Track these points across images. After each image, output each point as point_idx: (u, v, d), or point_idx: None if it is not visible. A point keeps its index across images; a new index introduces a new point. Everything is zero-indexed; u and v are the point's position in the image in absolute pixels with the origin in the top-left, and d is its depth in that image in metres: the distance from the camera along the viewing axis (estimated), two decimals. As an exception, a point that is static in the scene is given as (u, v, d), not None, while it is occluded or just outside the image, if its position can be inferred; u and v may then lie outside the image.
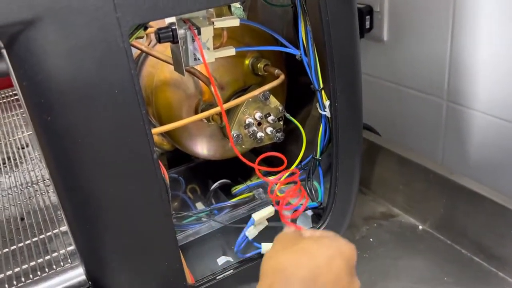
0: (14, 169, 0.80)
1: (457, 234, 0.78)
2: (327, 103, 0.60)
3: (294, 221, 0.61)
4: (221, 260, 0.67)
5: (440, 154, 0.91)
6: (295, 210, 0.62)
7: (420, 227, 0.83)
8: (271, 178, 0.67)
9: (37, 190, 0.72)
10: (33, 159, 0.82)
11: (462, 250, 0.77)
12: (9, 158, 0.83)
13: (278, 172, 0.64)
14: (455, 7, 0.79)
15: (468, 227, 0.76)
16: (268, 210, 0.61)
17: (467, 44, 0.80)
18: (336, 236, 0.47)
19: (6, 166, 0.81)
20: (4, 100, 1.11)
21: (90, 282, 0.53)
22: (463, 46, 0.80)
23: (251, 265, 0.61)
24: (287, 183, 0.64)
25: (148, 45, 0.68)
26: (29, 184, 0.74)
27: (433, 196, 0.81)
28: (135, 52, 0.69)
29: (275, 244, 0.47)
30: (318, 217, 0.70)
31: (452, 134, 0.87)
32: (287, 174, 0.63)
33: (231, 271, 0.61)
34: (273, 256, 0.44)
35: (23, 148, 0.87)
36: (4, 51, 0.42)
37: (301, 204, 0.62)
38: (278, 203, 0.60)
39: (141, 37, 0.66)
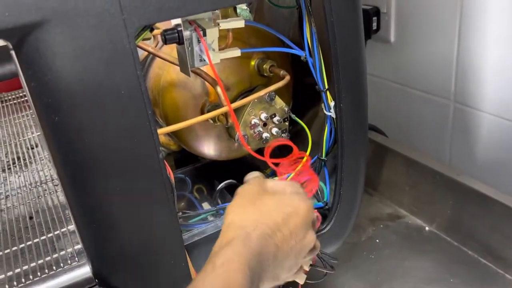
0: (23, 168, 0.81)
1: (464, 235, 0.78)
2: (332, 103, 0.60)
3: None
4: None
5: (447, 155, 0.91)
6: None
7: (427, 228, 0.83)
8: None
9: (45, 190, 0.73)
10: (42, 159, 0.83)
11: (469, 252, 0.76)
12: (18, 158, 0.84)
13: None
14: (462, 8, 0.79)
15: (475, 229, 0.75)
16: None
17: (474, 45, 0.79)
18: (295, 193, 0.50)
19: (16, 166, 0.82)
20: (15, 101, 1.12)
21: (96, 280, 0.53)
22: (470, 47, 0.80)
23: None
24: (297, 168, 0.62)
25: (155, 46, 0.68)
26: (38, 184, 0.75)
27: (440, 197, 0.81)
28: (142, 53, 0.70)
29: (238, 197, 0.49)
30: (323, 217, 0.70)
31: (459, 135, 0.87)
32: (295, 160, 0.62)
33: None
34: (235, 211, 0.47)
35: (32, 148, 0.88)
36: (13, 52, 0.43)
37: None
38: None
39: (148, 39, 0.67)
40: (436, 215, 0.82)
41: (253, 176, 0.55)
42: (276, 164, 0.65)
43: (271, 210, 0.47)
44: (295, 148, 0.58)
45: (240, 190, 0.51)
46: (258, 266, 0.42)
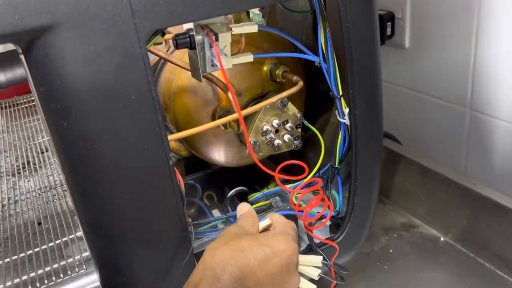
0: (33, 173, 0.81)
1: (480, 246, 0.75)
2: (346, 110, 0.58)
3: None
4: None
5: (463, 164, 0.89)
6: (320, 219, 0.60)
7: (442, 238, 0.81)
8: (290, 186, 0.66)
9: (55, 195, 0.73)
10: (52, 164, 0.83)
11: (485, 264, 0.74)
12: (28, 163, 0.84)
13: (297, 180, 0.63)
14: (479, 14, 0.77)
15: (491, 240, 0.73)
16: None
17: (491, 52, 0.78)
18: (281, 233, 0.48)
19: (25, 170, 0.82)
20: (26, 105, 1.13)
21: (104, 289, 0.53)
22: (488, 53, 0.78)
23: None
24: (309, 192, 0.62)
25: (167, 51, 0.68)
26: (48, 189, 0.75)
27: (455, 207, 0.79)
28: (153, 58, 0.70)
29: (219, 237, 0.48)
30: (336, 227, 0.68)
31: (475, 143, 0.85)
32: (307, 183, 0.62)
33: None
34: (209, 251, 0.45)
35: (42, 152, 0.88)
36: (22, 57, 0.42)
37: (326, 214, 0.60)
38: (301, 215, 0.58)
39: (160, 43, 0.67)
40: (452, 225, 0.80)
41: (241, 215, 0.53)
42: (284, 182, 0.65)
43: (245, 250, 0.44)
44: (306, 169, 0.57)
45: (223, 231, 0.49)
46: None
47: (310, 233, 0.57)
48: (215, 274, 0.41)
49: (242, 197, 0.74)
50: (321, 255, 0.58)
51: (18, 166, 0.84)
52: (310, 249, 0.61)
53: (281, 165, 0.57)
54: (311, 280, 0.52)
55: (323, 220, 0.60)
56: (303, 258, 0.53)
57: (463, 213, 0.78)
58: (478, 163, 0.86)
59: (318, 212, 0.61)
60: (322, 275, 0.53)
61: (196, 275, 0.43)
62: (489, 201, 0.73)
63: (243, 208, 0.54)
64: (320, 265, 0.53)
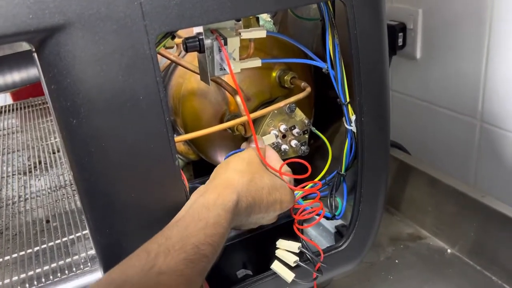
0: (44, 172, 0.82)
1: (488, 259, 0.75)
2: (353, 117, 0.59)
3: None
4: (241, 273, 0.67)
5: (473, 176, 0.88)
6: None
7: (449, 250, 0.81)
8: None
9: (64, 194, 0.74)
10: (63, 164, 0.84)
11: (492, 277, 0.73)
12: (40, 162, 0.86)
13: (302, 181, 0.63)
14: (491, 26, 0.77)
15: (499, 253, 0.72)
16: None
17: (503, 64, 0.77)
18: (288, 189, 0.57)
19: (37, 170, 0.83)
20: (40, 107, 1.15)
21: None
22: (499, 65, 0.78)
23: (270, 279, 0.60)
24: (309, 193, 0.62)
25: (178, 55, 0.69)
26: (57, 188, 0.76)
27: (463, 219, 0.78)
28: (164, 62, 0.71)
29: (243, 159, 0.56)
30: (340, 235, 0.68)
31: (486, 155, 0.84)
32: (310, 185, 0.62)
33: (250, 284, 0.60)
34: (235, 169, 0.54)
35: (54, 153, 0.89)
36: (35, 55, 0.44)
37: (318, 215, 0.61)
38: (295, 212, 0.59)
39: (171, 47, 0.68)
40: (459, 238, 0.79)
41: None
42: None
43: (264, 189, 0.53)
44: (309, 168, 0.58)
45: (245, 153, 0.57)
46: (233, 224, 0.50)
47: (297, 232, 0.58)
48: (238, 200, 0.50)
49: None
50: (300, 242, 0.59)
51: (29, 165, 0.85)
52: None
53: (285, 162, 0.58)
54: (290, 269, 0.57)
55: (314, 220, 0.61)
56: (282, 242, 0.58)
57: (471, 225, 0.77)
58: (488, 175, 0.85)
59: (311, 207, 0.61)
60: (298, 262, 0.57)
61: (225, 192, 0.49)
62: (497, 214, 0.72)
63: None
64: (297, 251, 0.57)
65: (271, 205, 0.55)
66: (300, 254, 0.58)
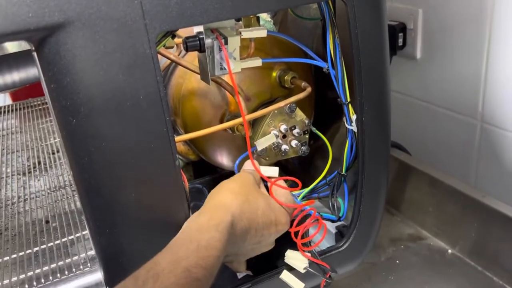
0: (43, 173, 0.82)
1: (488, 260, 0.74)
2: (353, 117, 0.58)
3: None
4: (241, 273, 0.67)
5: (473, 176, 0.88)
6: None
7: (450, 251, 0.80)
8: None
9: (63, 195, 0.74)
10: (62, 164, 0.84)
11: (493, 278, 0.73)
12: (39, 163, 0.85)
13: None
14: (491, 26, 0.77)
15: (500, 253, 0.72)
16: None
17: (503, 64, 0.77)
18: (283, 209, 0.55)
19: (36, 170, 0.83)
20: (40, 107, 1.14)
21: (107, 287, 0.53)
22: (499, 66, 0.78)
23: (270, 280, 0.60)
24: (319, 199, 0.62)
25: (178, 55, 0.69)
26: (57, 188, 0.76)
27: (464, 219, 0.78)
28: (164, 62, 0.71)
29: (236, 182, 0.55)
30: (341, 235, 0.68)
31: (486, 156, 0.84)
32: (315, 184, 0.62)
33: (250, 285, 0.60)
34: (228, 192, 0.53)
35: (53, 153, 0.89)
36: (34, 54, 0.43)
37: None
38: (296, 235, 0.58)
39: (171, 47, 0.67)
40: (460, 238, 0.79)
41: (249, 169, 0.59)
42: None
43: (259, 210, 0.52)
44: (300, 185, 0.58)
45: (239, 176, 0.56)
46: (229, 248, 0.48)
47: (303, 253, 0.57)
48: (233, 222, 0.48)
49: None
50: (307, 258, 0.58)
51: (29, 165, 0.85)
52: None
53: (278, 178, 0.58)
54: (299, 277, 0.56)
55: (316, 242, 0.60)
56: (292, 254, 0.57)
57: (472, 225, 0.77)
58: (488, 175, 0.85)
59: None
60: (308, 268, 0.57)
61: (217, 214, 0.48)
62: (498, 214, 0.72)
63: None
64: (306, 264, 0.57)
65: (266, 227, 0.53)
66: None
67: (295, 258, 0.57)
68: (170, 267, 0.41)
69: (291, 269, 0.58)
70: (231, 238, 0.48)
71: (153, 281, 0.40)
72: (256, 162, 0.58)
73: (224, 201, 0.51)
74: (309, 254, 0.57)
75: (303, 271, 0.56)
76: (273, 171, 0.58)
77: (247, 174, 0.56)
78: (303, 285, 0.56)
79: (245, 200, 0.51)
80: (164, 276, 0.40)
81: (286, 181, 0.59)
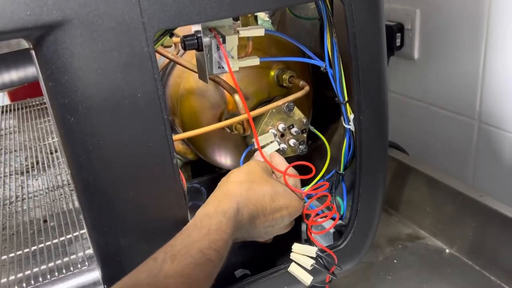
0: (41, 172, 0.82)
1: (486, 259, 0.74)
2: (351, 116, 0.59)
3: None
4: (239, 272, 0.67)
5: (471, 176, 0.88)
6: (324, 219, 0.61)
7: (447, 251, 0.80)
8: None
9: (61, 194, 0.74)
10: (61, 164, 0.84)
11: (491, 277, 0.73)
12: (38, 162, 0.85)
13: (306, 182, 0.63)
14: (488, 25, 0.77)
15: (498, 253, 0.72)
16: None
17: (500, 64, 0.77)
18: (294, 187, 0.57)
19: (34, 170, 0.83)
20: (38, 107, 1.14)
21: (105, 286, 0.53)
22: (496, 66, 0.78)
23: (268, 278, 0.60)
24: (319, 198, 0.62)
25: (177, 54, 0.69)
26: (55, 188, 0.76)
27: (462, 219, 0.78)
28: (163, 61, 0.71)
29: (243, 170, 0.57)
30: (340, 234, 0.68)
31: (484, 155, 0.85)
32: (314, 182, 0.62)
33: (248, 283, 0.60)
34: (235, 181, 0.55)
35: (52, 153, 0.89)
36: (32, 52, 0.43)
37: (334, 218, 0.61)
38: (307, 217, 0.59)
39: (169, 46, 0.67)
40: (458, 238, 0.79)
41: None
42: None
43: (265, 196, 0.54)
44: (313, 170, 0.58)
45: (246, 165, 0.57)
46: (238, 233, 0.51)
47: (311, 237, 0.58)
48: (238, 208, 0.51)
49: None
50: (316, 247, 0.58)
51: (27, 165, 0.85)
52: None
53: (290, 165, 0.58)
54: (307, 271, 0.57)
55: (328, 226, 0.60)
56: (298, 247, 0.58)
57: (470, 225, 0.77)
58: (486, 175, 0.85)
59: (323, 212, 0.61)
60: (314, 265, 0.57)
61: (224, 203, 0.51)
62: (496, 214, 0.72)
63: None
64: (314, 255, 0.57)
65: (276, 211, 0.55)
66: (314, 258, 0.58)
67: (302, 252, 0.58)
68: (185, 249, 0.44)
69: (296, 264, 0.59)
70: (238, 223, 0.51)
71: (171, 261, 0.43)
72: (265, 153, 0.59)
73: (230, 190, 0.53)
74: (318, 240, 0.58)
75: (310, 267, 0.57)
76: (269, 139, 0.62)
77: (254, 163, 0.58)
78: (312, 278, 0.56)
79: (249, 187, 0.53)
80: (180, 256, 0.43)
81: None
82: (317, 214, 0.59)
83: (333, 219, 0.62)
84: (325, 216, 0.59)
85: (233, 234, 0.50)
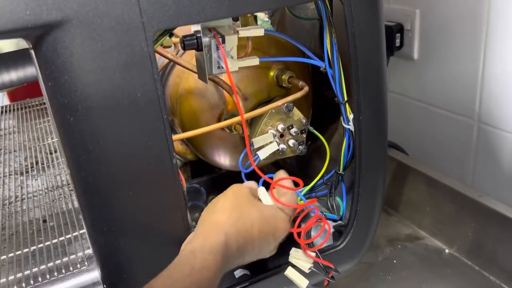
0: (41, 173, 0.82)
1: (486, 259, 0.75)
2: (351, 116, 0.59)
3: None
4: (238, 272, 0.67)
5: (470, 176, 0.88)
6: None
7: (447, 251, 0.80)
8: None
9: (61, 194, 0.74)
10: (60, 164, 0.84)
11: (490, 277, 0.73)
12: (37, 163, 0.85)
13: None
14: (488, 26, 0.78)
15: (497, 253, 0.72)
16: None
17: (500, 65, 0.77)
18: (280, 211, 0.55)
19: (33, 170, 0.83)
20: (37, 108, 1.14)
21: (104, 286, 0.53)
22: (496, 66, 0.78)
23: (268, 279, 0.60)
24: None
25: (176, 54, 0.69)
26: (54, 188, 0.76)
27: (461, 219, 0.78)
28: (162, 61, 0.71)
29: (229, 196, 0.55)
30: (339, 234, 0.68)
31: (483, 156, 0.85)
32: (314, 183, 0.62)
33: (248, 284, 0.60)
34: (223, 209, 0.53)
35: (51, 153, 0.89)
36: (32, 52, 0.43)
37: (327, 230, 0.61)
38: (299, 235, 0.57)
39: (169, 46, 0.67)
40: (457, 238, 0.79)
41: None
42: None
43: (254, 226, 0.51)
44: (301, 184, 0.57)
45: (232, 192, 0.55)
46: (226, 267, 0.49)
47: (307, 254, 0.57)
48: (227, 242, 0.48)
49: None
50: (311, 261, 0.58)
51: (26, 165, 0.85)
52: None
53: (279, 179, 0.58)
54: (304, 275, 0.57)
55: (320, 242, 0.60)
56: (296, 253, 0.57)
57: (469, 225, 0.77)
58: (486, 175, 0.85)
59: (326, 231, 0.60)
60: (312, 268, 0.57)
61: (211, 236, 0.48)
62: (495, 214, 0.72)
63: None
64: (311, 265, 0.57)
65: (264, 241, 0.53)
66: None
67: (299, 257, 0.58)
68: None
69: (294, 267, 0.58)
70: (227, 258, 0.48)
71: None
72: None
73: (217, 221, 0.51)
74: (313, 254, 0.57)
75: (308, 271, 0.56)
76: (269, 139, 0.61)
77: (240, 187, 0.56)
78: (308, 282, 0.56)
79: (239, 218, 0.51)
80: None
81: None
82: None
83: (326, 230, 0.62)
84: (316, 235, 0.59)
85: (222, 270, 0.47)
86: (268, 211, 0.54)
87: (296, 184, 0.58)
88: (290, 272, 0.57)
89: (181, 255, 0.48)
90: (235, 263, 0.52)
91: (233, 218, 0.51)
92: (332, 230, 0.71)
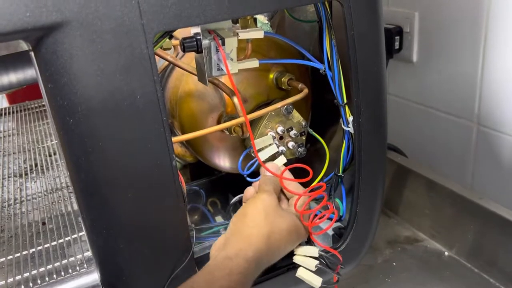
0: (40, 175, 0.82)
1: (485, 262, 0.74)
2: (350, 118, 0.59)
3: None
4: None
5: (469, 178, 0.88)
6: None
7: (446, 253, 0.80)
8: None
9: (60, 196, 0.73)
10: (59, 166, 0.84)
11: (490, 280, 0.73)
12: (36, 165, 0.85)
13: (306, 184, 0.63)
14: (487, 29, 0.78)
15: (497, 255, 0.72)
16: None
17: (499, 67, 0.78)
18: (292, 218, 0.57)
19: (33, 172, 0.82)
20: (37, 110, 1.14)
21: (103, 288, 0.53)
22: (495, 68, 0.78)
23: (269, 279, 0.60)
24: (315, 198, 0.62)
25: (176, 57, 0.69)
26: (54, 190, 0.75)
27: (461, 221, 0.78)
28: (162, 64, 0.71)
29: (259, 207, 0.56)
30: (339, 236, 0.68)
31: (482, 158, 0.85)
32: (312, 188, 0.62)
33: (253, 285, 0.60)
34: (254, 223, 0.54)
35: (50, 155, 0.89)
36: (32, 54, 0.43)
37: (331, 218, 0.61)
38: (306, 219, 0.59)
39: (169, 49, 0.68)
40: (456, 240, 0.79)
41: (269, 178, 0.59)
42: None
43: (282, 235, 0.54)
44: (311, 173, 0.57)
45: (262, 203, 0.56)
46: (257, 274, 0.52)
47: (313, 239, 0.58)
48: (259, 259, 0.51)
49: (246, 204, 0.73)
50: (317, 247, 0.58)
51: (26, 168, 0.85)
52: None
53: (286, 168, 0.58)
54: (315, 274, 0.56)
55: (327, 225, 0.60)
56: (301, 249, 0.57)
57: (469, 227, 0.77)
58: (485, 177, 0.85)
59: (321, 212, 0.60)
60: (319, 265, 0.57)
61: (247, 251, 0.51)
62: (495, 216, 0.72)
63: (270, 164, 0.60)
64: (317, 255, 0.57)
65: (289, 248, 0.56)
66: (317, 258, 0.58)
67: (304, 255, 0.58)
68: (207, 285, 0.46)
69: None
70: (259, 266, 0.52)
71: None
72: (274, 165, 0.59)
73: (251, 236, 0.53)
74: (319, 241, 0.58)
75: (314, 268, 0.57)
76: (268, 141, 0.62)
77: (269, 198, 0.57)
78: (321, 279, 0.56)
79: (269, 234, 0.53)
80: None
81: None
82: (316, 215, 0.59)
83: (331, 219, 0.62)
84: (324, 216, 0.58)
85: (252, 278, 0.51)
86: (293, 221, 0.56)
87: (305, 175, 0.58)
88: (302, 272, 0.57)
89: (217, 259, 0.51)
90: (264, 268, 0.55)
91: (265, 233, 0.53)
92: (331, 232, 0.71)
